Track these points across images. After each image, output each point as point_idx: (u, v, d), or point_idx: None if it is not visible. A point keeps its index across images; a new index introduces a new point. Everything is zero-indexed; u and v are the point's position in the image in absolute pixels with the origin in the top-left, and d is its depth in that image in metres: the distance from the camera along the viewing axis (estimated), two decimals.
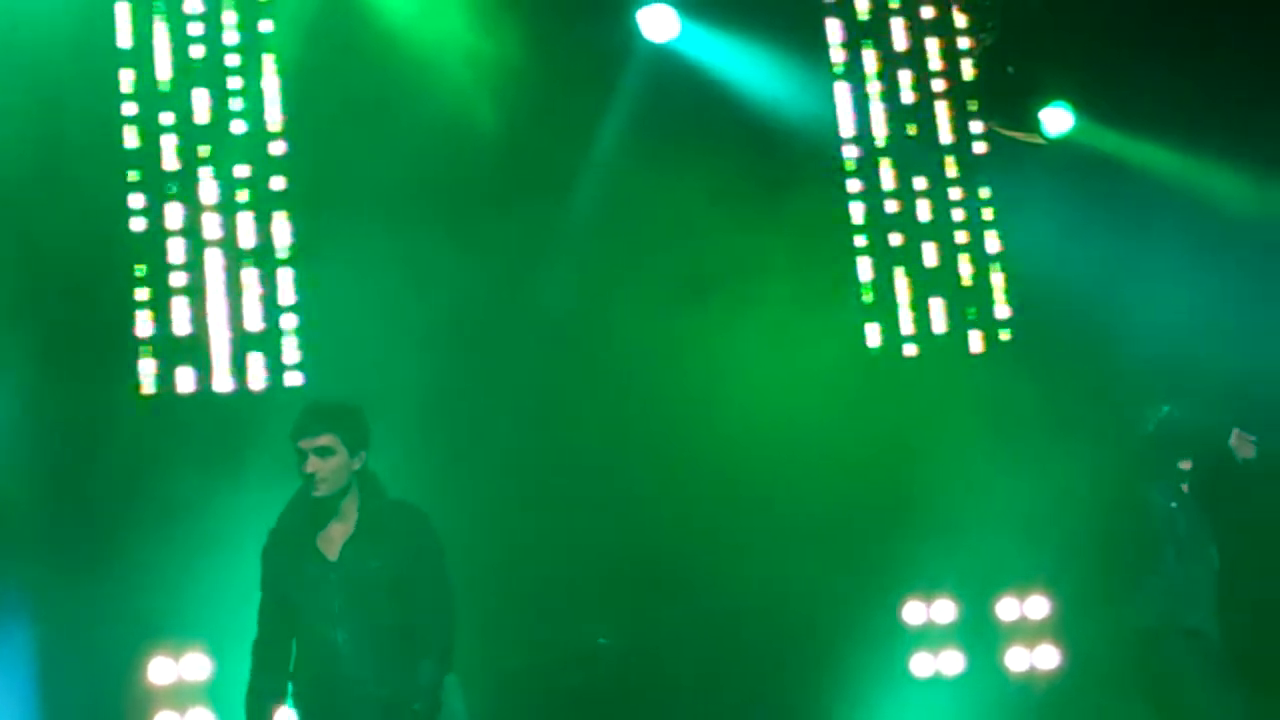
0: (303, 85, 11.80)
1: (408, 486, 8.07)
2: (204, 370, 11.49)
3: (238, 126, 11.76)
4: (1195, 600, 9.11)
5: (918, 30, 13.17)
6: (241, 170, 11.73)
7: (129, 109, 11.64)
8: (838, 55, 13.00)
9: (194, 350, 11.50)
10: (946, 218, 12.99)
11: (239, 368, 11.55)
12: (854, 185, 12.89)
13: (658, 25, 12.16)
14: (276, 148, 11.81)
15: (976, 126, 13.13)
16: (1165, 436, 9.27)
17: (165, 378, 11.42)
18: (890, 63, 13.10)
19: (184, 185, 11.63)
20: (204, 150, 11.68)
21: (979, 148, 13.13)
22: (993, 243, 13.01)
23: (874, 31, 13.09)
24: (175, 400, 11.42)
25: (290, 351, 11.63)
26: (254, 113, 11.79)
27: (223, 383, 11.52)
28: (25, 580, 10.67)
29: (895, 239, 12.90)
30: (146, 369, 11.42)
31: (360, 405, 7.60)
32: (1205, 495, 9.34)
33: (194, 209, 11.64)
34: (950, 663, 12.32)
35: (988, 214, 13.04)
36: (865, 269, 12.81)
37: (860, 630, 11.89)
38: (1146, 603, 9.07)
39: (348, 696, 7.26)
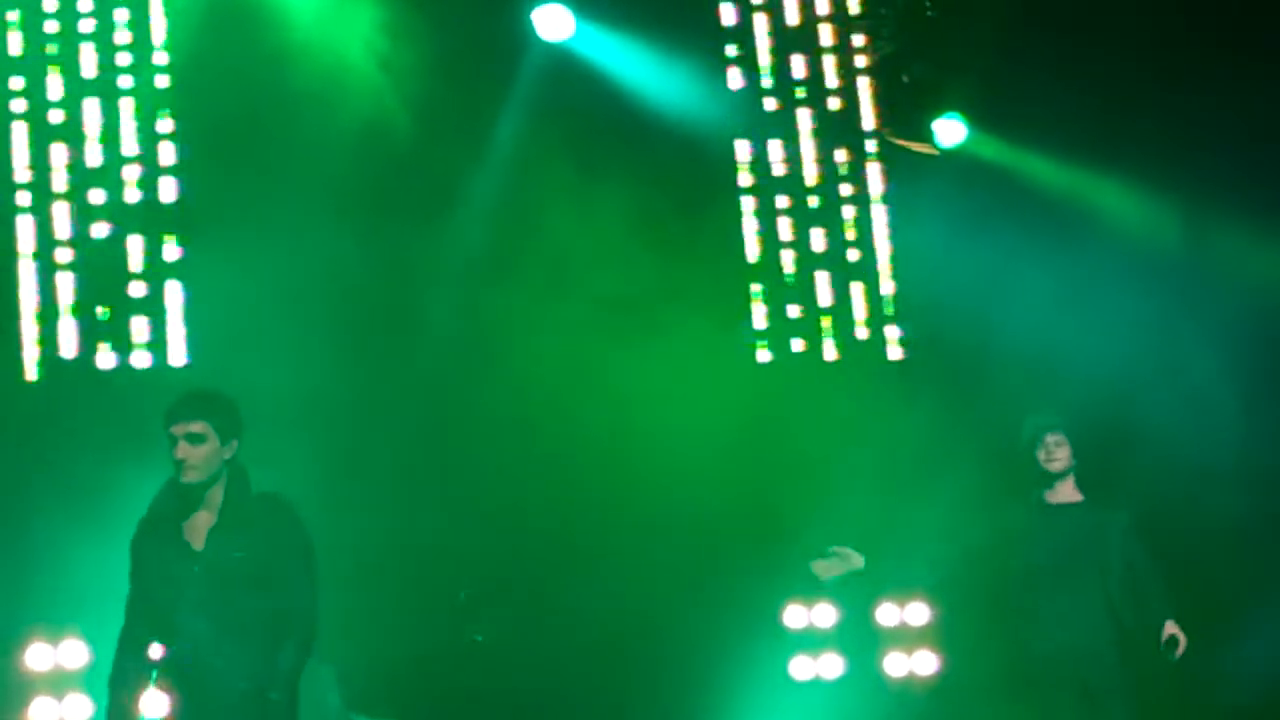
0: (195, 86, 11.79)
1: (294, 481, 8.07)
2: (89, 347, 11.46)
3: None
4: (1064, 620, 9.10)
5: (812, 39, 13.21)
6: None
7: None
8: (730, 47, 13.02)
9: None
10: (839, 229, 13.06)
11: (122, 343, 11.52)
12: (748, 203, 12.92)
13: (553, 25, 12.16)
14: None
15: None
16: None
17: (50, 358, 11.37)
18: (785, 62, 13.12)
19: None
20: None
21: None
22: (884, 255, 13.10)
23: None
24: (61, 379, 11.38)
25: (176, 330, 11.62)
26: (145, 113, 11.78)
27: (105, 360, 11.48)
28: None
29: (787, 258, 12.95)
30: (30, 349, 11.37)
31: (234, 396, 7.59)
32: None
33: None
34: (830, 666, 12.41)
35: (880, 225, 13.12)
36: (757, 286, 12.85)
37: (741, 633, 11.97)
38: (1020, 616, 9.15)
39: (210, 686, 7.26)
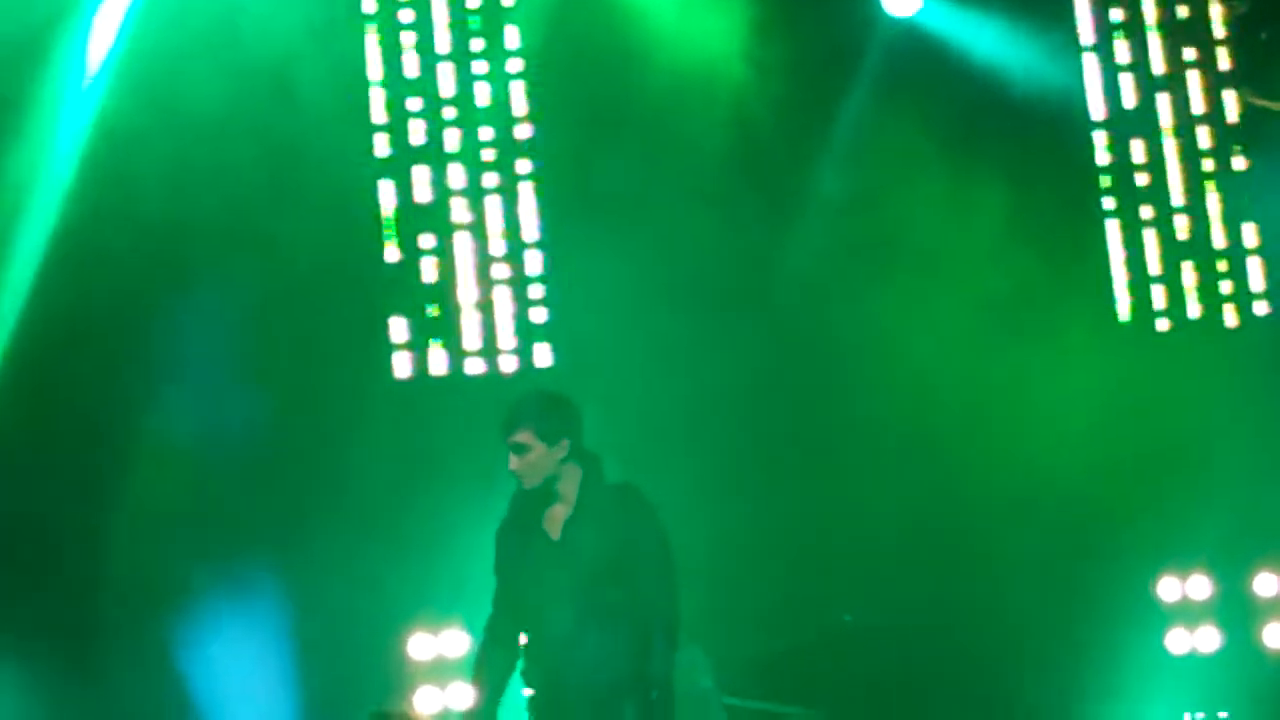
0: (549, 70, 12.07)
1: (671, 474, 8.23)
2: (456, 353, 11.83)
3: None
4: None
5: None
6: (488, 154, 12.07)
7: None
8: (1085, 25, 12.87)
9: (445, 333, 11.85)
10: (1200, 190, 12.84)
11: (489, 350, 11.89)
12: (1103, 158, 12.78)
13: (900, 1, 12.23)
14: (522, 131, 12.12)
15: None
16: None
17: (420, 362, 11.77)
18: (1139, 32, 12.94)
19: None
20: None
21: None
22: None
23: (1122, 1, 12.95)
24: (429, 383, 11.77)
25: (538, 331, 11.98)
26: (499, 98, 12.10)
27: (474, 365, 11.86)
28: (279, 566, 11.04)
29: (1146, 212, 12.78)
30: (400, 355, 11.79)
31: (561, 394, 7.62)
32: None
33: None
34: (1207, 640, 12.21)
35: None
36: (1116, 244, 12.71)
37: (1115, 608, 11.85)
38: None
39: (571, 678, 7.37)
